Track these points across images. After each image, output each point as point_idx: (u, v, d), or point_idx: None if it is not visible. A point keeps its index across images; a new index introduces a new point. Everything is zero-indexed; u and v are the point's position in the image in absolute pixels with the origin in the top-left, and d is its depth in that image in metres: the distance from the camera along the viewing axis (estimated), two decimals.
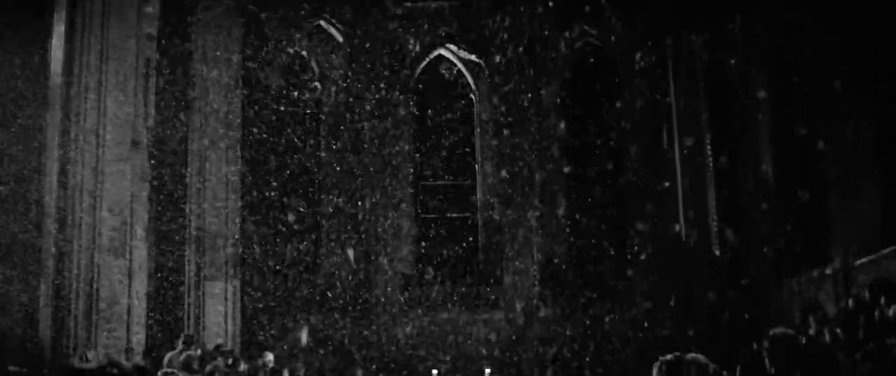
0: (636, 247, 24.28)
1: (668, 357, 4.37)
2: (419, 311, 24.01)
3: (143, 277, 17.10)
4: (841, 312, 14.96)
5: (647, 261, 23.88)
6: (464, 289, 24.50)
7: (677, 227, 23.96)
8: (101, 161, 16.35)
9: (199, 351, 15.26)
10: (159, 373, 6.36)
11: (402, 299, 24.16)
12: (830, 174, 19.26)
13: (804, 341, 4.68)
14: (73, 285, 15.78)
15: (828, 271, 19.21)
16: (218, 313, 19.94)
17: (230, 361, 14.98)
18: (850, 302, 13.47)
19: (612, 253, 24.55)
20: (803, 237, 20.47)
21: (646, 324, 22.95)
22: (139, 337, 16.61)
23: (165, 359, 14.09)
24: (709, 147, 24.10)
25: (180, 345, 14.74)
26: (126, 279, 16.34)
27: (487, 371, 21.42)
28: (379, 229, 24.24)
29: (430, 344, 23.74)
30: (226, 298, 20.16)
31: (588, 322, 23.79)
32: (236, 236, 21.07)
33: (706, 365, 4.69)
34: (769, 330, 5.09)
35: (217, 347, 16.99)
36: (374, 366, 23.58)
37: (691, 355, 4.53)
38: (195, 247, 20.04)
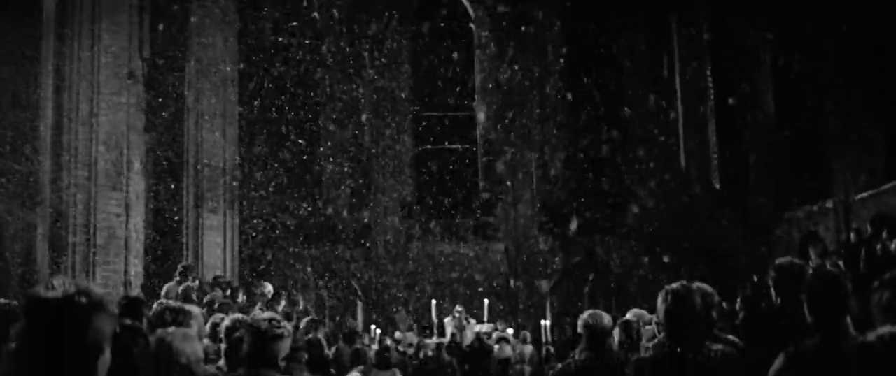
0: (637, 180, 24.20)
1: (675, 285, 4.30)
2: (418, 242, 24.03)
3: (140, 209, 17.03)
4: (841, 245, 14.95)
5: (648, 193, 23.81)
6: (463, 220, 24.49)
7: (678, 160, 23.87)
8: (97, 93, 16.16)
9: (197, 283, 15.23)
10: (156, 304, 6.26)
11: (401, 230, 24.16)
12: (832, 107, 19.11)
13: (811, 271, 4.60)
14: (70, 218, 15.70)
15: (829, 205, 19.17)
16: (216, 244, 19.87)
17: (228, 292, 14.96)
18: (852, 235, 13.44)
19: (613, 184, 24.46)
20: (804, 170, 20.38)
21: (646, 256, 22.96)
22: (137, 270, 16.59)
23: (163, 291, 14.04)
24: (710, 78, 23.89)
25: (178, 277, 14.69)
26: (123, 211, 16.27)
27: (487, 301, 21.47)
28: (378, 161, 24.15)
29: (429, 274, 23.79)
30: (224, 229, 20.08)
31: (588, 253, 23.82)
32: (234, 167, 20.93)
33: (712, 295, 4.62)
34: (774, 261, 5.02)
35: (215, 278, 16.97)
36: (373, 297, 23.66)
37: (697, 284, 4.47)
38: (193, 179, 19.90)
